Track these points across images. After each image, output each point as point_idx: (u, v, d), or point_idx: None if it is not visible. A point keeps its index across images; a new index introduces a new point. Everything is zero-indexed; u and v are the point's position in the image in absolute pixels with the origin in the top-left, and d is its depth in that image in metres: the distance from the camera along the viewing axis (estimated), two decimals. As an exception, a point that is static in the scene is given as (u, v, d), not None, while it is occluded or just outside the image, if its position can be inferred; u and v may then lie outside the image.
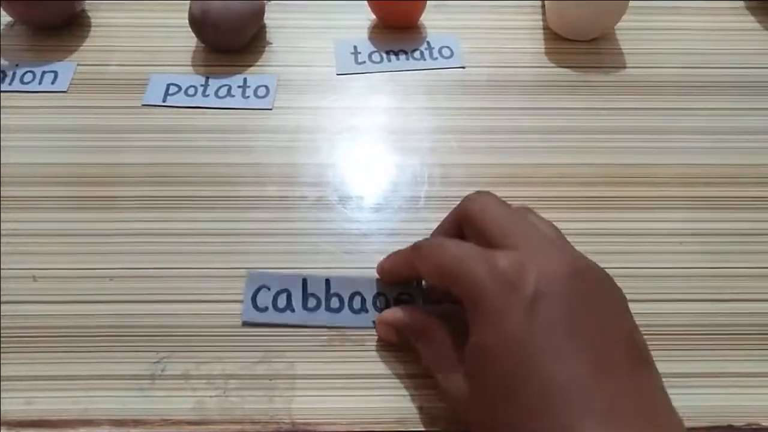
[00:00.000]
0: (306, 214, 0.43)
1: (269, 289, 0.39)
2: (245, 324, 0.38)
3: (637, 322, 0.29)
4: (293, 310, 0.38)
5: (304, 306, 0.38)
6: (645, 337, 0.29)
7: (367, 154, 0.47)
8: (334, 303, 0.39)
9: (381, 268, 0.38)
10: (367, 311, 0.38)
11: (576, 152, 0.47)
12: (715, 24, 0.56)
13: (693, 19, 0.56)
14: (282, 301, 0.39)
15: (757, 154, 0.47)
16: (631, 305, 0.30)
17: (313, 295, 0.39)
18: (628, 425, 0.25)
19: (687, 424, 0.27)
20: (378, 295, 0.38)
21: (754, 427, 0.34)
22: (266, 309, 0.38)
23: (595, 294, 0.28)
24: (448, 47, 0.53)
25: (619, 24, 0.55)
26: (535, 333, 0.26)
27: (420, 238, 0.35)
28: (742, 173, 0.45)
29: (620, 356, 0.27)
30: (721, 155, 0.46)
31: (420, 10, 0.54)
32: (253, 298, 0.39)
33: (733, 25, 0.56)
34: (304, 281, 0.39)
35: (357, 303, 0.38)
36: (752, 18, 0.56)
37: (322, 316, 0.38)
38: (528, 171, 0.45)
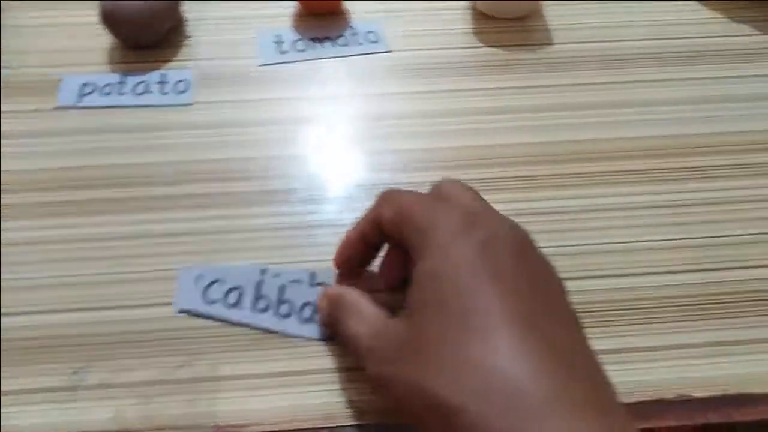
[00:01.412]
0: (236, 210, 0.42)
1: (222, 283, 0.38)
2: (182, 311, 0.37)
3: (573, 298, 0.29)
4: (241, 308, 0.37)
5: (253, 306, 0.37)
6: (582, 313, 0.29)
7: (295, 146, 0.45)
8: (284, 309, 0.37)
9: (338, 256, 0.37)
10: (316, 322, 0.37)
11: (510, 132, 0.46)
12: None
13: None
14: (233, 298, 0.38)
15: (682, 124, 0.47)
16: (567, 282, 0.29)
17: (264, 297, 0.38)
18: (562, 358, 0.24)
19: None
20: None
21: (685, 398, 0.33)
22: (214, 302, 0.37)
23: (537, 259, 0.29)
24: (373, 32, 0.52)
25: (546, 2, 0.54)
26: (482, 266, 0.26)
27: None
28: (672, 144, 0.45)
29: (557, 316, 0.27)
30: (650, 127, 0.46)
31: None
32: (205, 289, 0.38)
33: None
34: (259, 283, 0.38)
35: (307, 312, 0.37)
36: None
37: (268, 320, 0.37)
38: (465, 153, 0.45)
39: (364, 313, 0.32)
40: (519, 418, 0.22)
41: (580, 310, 0.28)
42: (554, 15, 0.54)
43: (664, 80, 0.49)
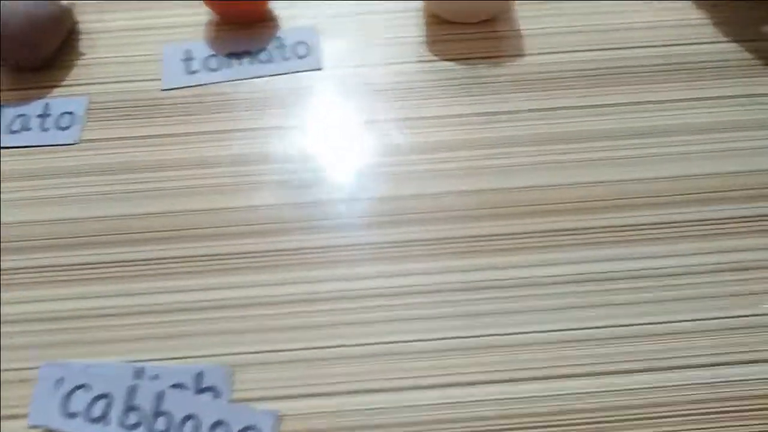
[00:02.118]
0: (116, 285, 0.33)
1: (87, 388, 0.31)
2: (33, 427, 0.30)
3: None
4: (106, 425, 0.30)
5: (122, 422, 0.30)
6: None
7: (200, 198, 0.36)
8: (160, 425, 0.30)
9: None
10: None
11: (465, 175, 0.37)
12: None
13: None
14: (99, 409, 0.30)
15: (693, 159, 0.37)
16: None
17: (137, 408, 0.30)
18: None
19: None
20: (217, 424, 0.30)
21: None
22: (75, 416, 0.30)
23: None
24: (303, 43, 0.43)
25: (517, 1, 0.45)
26: None
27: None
28: (675, 189, 0.36)
29: None
30: (642, 166, 0.37)
31: (260, 2, 0.43)
32: (66, 397, 0.30)
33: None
34: (132, 388, 0.30)
35: (189, 429, 0.30)
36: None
37: None
38: (415, 204, 0.36)
39: None
40: None
41: None
42: (525, 17, 0.44)
43: (665, 102, 0.40)
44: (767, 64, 0.41)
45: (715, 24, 0.43)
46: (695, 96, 0.39)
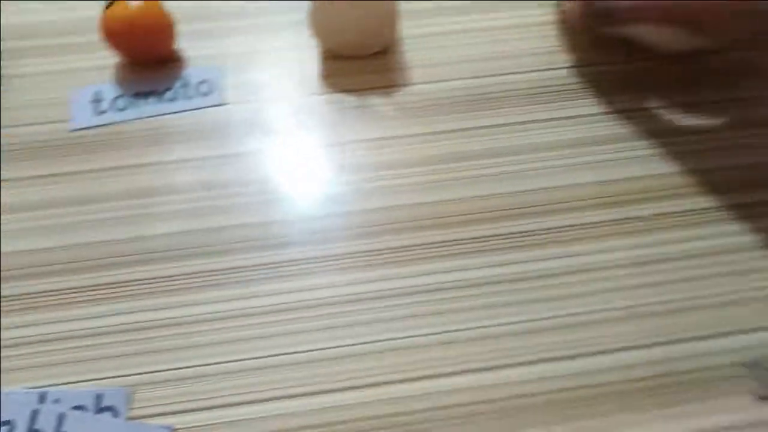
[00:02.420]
0: (30, 315, 0.36)
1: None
2: None
3: None
4: None
5: None
6: None
7: (103, 230, 0.39)
8: None
9: None
10: None
11: (362, 196, 0.40)
12: (508, 21, 0.49)
13: (477, 18, 0.50)
14: None
15: (561, 173, 0.41)
16: None
17: None
18: None
19: None
20: None
21: None
22: None
23: None
24: (206, 82, 0.46)
25: (406, 32, 0.48)
26: None
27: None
28: (543, 200, 0.40)
29: None
30: (520, 180, 0.41)
31: (167, 40, 0.46)
32: None
33: (519, 20, 0.50)
34: (34, 413, 0.32)
35: None
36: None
37: None
38: (316, 225, 0.39)
39: None
40: None
41: None
42: (412, 50, 0.48)
43: (540, 121, 0.43)
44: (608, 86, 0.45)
45: (564, 51, 0.47)
46: (557, 116, 0.44)
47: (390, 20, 0.45)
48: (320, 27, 0.45)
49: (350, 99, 0.45)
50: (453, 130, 0.43)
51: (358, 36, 0.45)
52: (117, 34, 0.44)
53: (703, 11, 0.37)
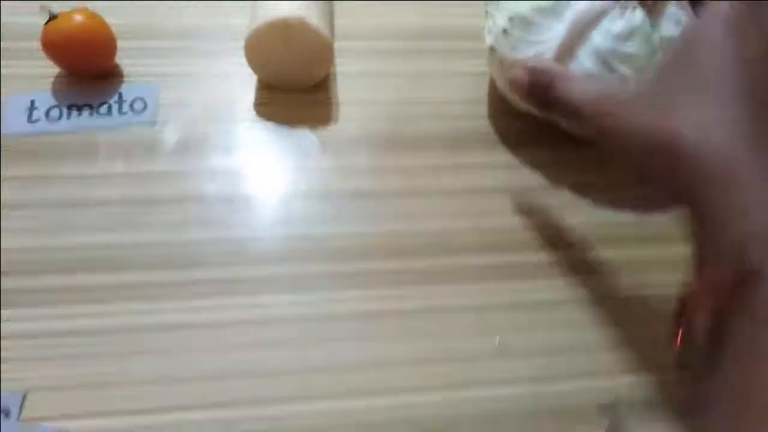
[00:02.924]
0: None
1: None
2: None
3: None
4: None
5: None
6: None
7: (26, 239, 0.40)
8: None
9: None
10: None
11: (284, 220, 0.42)
12: (440, 68, 0.52)
13: (409, 62, 0.52)
14: None
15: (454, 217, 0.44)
16: None
17: None
18: None
19: None
20: None
21: None
22: None
23: None
24: (141, 99, 0.48)
25: (340, 69, 0.51)
26: (736, 50, 0.28)
27: None
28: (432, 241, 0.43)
29: None
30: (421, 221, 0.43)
31: (107, 55, 0.48)
32: None
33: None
34: None
35: None
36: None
37: None
38: (232, 247, 0.41)
39: (582, 77, 0.36)
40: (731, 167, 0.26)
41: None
42: (345, 87, 0.50)
43: (455, 167, 0.46)
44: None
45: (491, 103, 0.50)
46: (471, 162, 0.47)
47: (323, 58, 0.47)
48: (255, 59, 0.47)
49: (278, 129, 0.47)
50: (371, 167, 0.46)
51: (291, 71, 0.48)
52: (57, 46, 0.46)
53: None
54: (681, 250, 0.30)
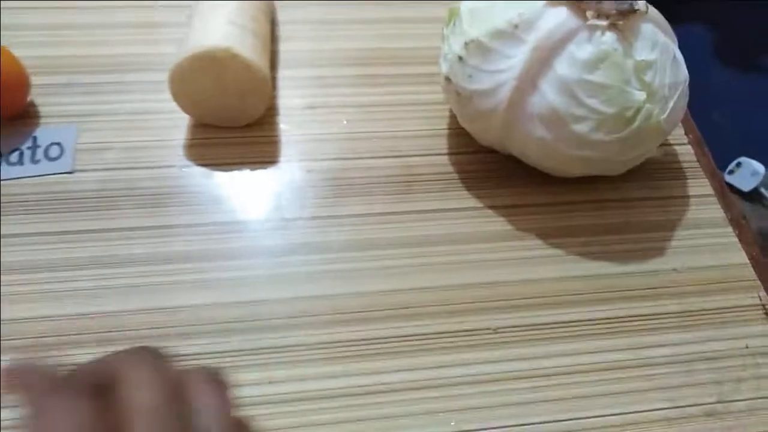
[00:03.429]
0: None
1: None
2: None
3: None
4: None
5: None
6: None
7: None
8: None
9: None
10: None
11: (213, 285, 0.37)
12: (392, 97, 0.47)
13: (360, 92, 0.47)
14: None
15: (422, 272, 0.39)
16: None
17: None
18: None
19: None
20: None
21: None
22: None
23: None
24: (58, 144, 0.42)
25: (283, 102, 0.46)
26: None
27: None
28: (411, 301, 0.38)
29: None
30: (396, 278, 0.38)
31: (19, 95, 0.43)
32: None
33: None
34: None
35: None
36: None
37: None
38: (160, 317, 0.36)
39: None
40: None
41: None
42: (289, 122, 0.45)
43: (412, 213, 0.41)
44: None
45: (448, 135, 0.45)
46: (430, 208, 0.42)
47: (260, 93, 0.42)
48: (182, 96, 0.42)
49: (211, 173, 0.42)
50: (313, 217, 0.41)
51: (224, 108, 0.43)
52: (-39, 87, 0.41)
53: None
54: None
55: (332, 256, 0.39)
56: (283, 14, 0.51)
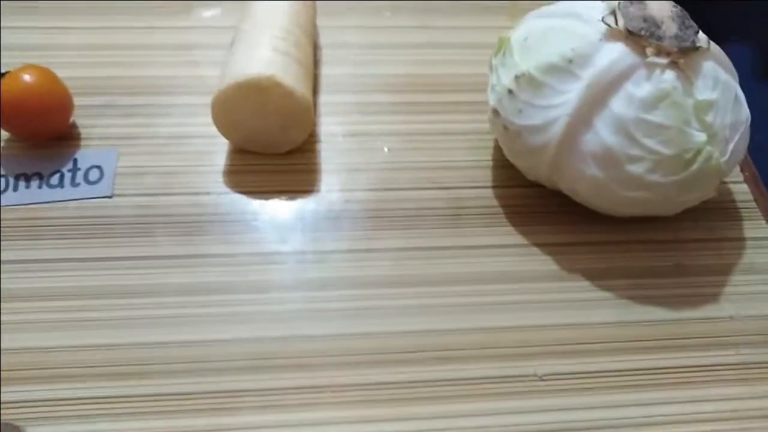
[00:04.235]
0: None
1: None
2: None
3: None
4: None
5: None
6: None
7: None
8: None
9: None
10: None
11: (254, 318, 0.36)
12: (434, 126, 0.46)
13: (402, 120, 0.46)
14: None
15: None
16: None
17: None
18: None
19: None
20: None
21: None
22: None
23: None
24: (98, 167, 0.42)
25: (325, 129, 0.45)
26: None
27: None
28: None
29: None
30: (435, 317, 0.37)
31: (62, 117, 0.42)
32: None
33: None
34: None
35: None
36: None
37: None
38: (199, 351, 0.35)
39: None
40: None
41: None
42: (329, 149, 0.44)
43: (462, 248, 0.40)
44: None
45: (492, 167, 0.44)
46: (478, 244, 0.40)
47: (302, 121, 0.41)
48: (224, 122, 0.41)
49: (248, 201, 0.41)
50: (351, 250, 0.40)
51: (266, 135, 0.42)
52: (6, 108, 0.40)
53: None
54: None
55: (369, 292, 0.38)
56: (325, 37, 0.51)
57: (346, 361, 0.35)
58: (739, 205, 0.44)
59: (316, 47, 0.49)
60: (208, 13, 0.52)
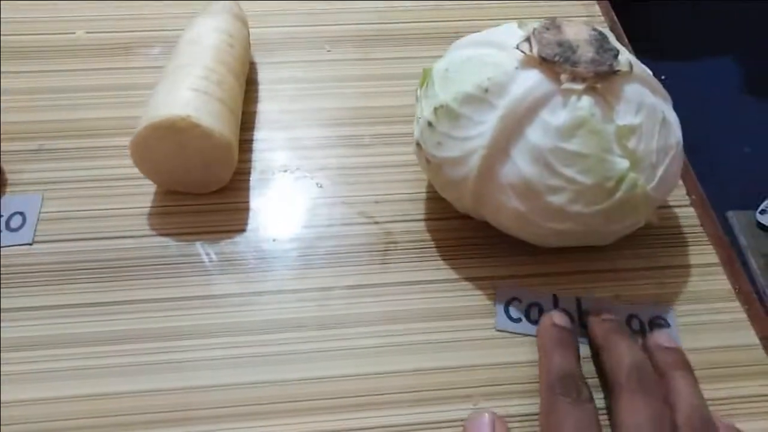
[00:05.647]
0: None
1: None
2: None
3: None
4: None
5: None
6: None
7: None
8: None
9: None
10: None
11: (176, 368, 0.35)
12: (381, 159, 0.45)
13: (344, 153, 0.45)
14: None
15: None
16: None
17: None
18: None
19: None
20: None
21: None
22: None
23: None
24: (20, 213, 0.41)
25: (256, 164, 0.44)
26: None
27: None
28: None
29: None
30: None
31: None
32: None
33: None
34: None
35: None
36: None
37: None
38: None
39: None
40: None
41: None
42: (259, 186, 0.43)
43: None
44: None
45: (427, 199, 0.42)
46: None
47: (224, 160, 0.40)
48: (144, 164, 0.40)
49: (171, 244, 0.40)
50: (277, 291, 0.38)
51: (189, 175, 0.41)
52: None
53: None
54: None
55: (293, 335, 0.37)
56: (263, 73, 0.50)
57: (258, 410, 0.34)
58: (685, 230, 0.42)
59: (251, 83, 0.49)
60: (149, 53, 0.52)
